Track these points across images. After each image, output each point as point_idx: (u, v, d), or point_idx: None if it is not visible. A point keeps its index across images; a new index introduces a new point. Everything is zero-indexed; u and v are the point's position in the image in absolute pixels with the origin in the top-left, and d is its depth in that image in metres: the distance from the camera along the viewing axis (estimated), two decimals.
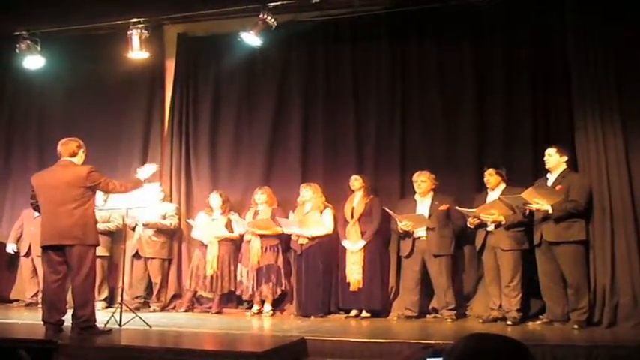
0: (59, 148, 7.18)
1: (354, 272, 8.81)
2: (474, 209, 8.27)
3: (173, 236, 9.98)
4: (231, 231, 9.53)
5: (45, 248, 7.01)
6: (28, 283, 10.16)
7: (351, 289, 8.79)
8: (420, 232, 8.60)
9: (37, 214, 9.70)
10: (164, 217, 9.74)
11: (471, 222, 8.35)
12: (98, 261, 7.82)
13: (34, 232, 9.74)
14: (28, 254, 10.11)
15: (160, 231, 9.73)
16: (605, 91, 8.18)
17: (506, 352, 2.02)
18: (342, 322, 8.64)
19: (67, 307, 7.10)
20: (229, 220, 9.50)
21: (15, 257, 10.41)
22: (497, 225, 8.16)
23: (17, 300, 10.33)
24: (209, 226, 9.52)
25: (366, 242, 8.86)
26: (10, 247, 10.29)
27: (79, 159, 7.18)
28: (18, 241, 10.29)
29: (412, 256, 8.64)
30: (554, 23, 8.81)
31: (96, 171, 7.05)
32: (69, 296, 7.13)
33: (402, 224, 8.58)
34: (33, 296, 10.02)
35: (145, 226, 9.64)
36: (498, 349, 2.02)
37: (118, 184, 7.32)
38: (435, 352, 2.27)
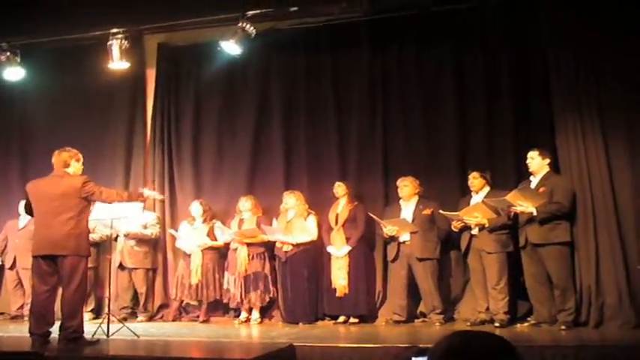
0: (53, 159, 7.17)
1: (339, 278, 8.82)
2: (457, 212, 8.30)
3: (156, 246, 9.96)
4: (214, 239, 9.51)
5: (36, 258, 6.97)
6: (13, 295, 10.09)
7: (338, 294, 8.80)
8: (405, 236, 8.62)
9: (21, 225, 9.77)
10: (145, 227, 9.71)
11: (455, 225, 8.38)
12: None
13: (18, 245, 9.74)
14: (12, 267, 10.04)
15: (141, 241, 9.71)
16: (584, 94, 8.26)
17: (490, 348, 2.02)
18: (330, 328, 8.64)
19: (55, 318, 7.07)
20: (212, 229, 9.50)
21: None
22: (481, 228, 8.18)
23: (2, 313, 10.27)
24: (191, 235, 9.51)
25: (350, 248, 8.88)
26: None
27: (75, 169, 7.17)
28: (2, 253, 10.21)
29: (398, 260, 8.67)
30: (532, 28, 8.85)
31: (90, 181, 7.04)
32: (57, 307, 7.10)
33: (387, 229, 8.60)
34: (18, 309, 9.95)
35: (126, 236, 9.61)
36: (483, 345, 2.03)
37: (114, 192, 7.32)
38: (420, 352, 2.28)
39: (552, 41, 8.51)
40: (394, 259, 8.72)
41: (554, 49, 8.47)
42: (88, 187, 6.97)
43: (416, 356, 2.28)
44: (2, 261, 10.20)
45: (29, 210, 7.27)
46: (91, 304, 9.61)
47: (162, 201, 9.79)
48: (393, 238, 8.69)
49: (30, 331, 6.88)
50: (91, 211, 7.28)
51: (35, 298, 7.01)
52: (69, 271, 6.82)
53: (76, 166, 7.19)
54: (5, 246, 10.21)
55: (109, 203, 7.44)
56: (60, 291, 7.05)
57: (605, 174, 8.04)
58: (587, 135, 8.16)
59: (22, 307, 9.86)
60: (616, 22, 8.12)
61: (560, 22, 8.43)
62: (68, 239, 6.83)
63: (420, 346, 2.18)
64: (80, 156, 7.27)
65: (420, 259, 8.53)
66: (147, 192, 7.78)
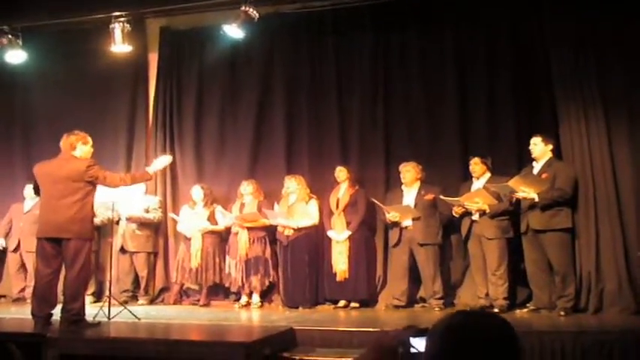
0: (61, 142, 7.17)
1: (339, 262, 8.84)
2: (458, 198, 8.31)
3: (157, 229, 9.97)
4: (215, 223, 9.53)
5: (40, 240, 6.99)
6: (15, 279, 10.12)
7: (338, 279, 8.83)
8: (407, 221, 8.64)
9: (26, 208, 9.79)
10: (147, 211, 9.72)
11: (455, 211, 8.38)
12: None
13: (23, 228, 9.77)
14: (16, 250, 10.07)
15: (143, 225, 9.72)
16: (586, 80, 8.26)
17: (489, 328, 2.03)
18: (330, 312, 8.68)
19: (57, 300, 7.09)
20: (212, 213, 9.52)
21: (2, 253, 10.34)
22: (482, 214, 8.19)
23: (4, 296, 10.29)
24: (191, 219, 9.53)
25: (351, 232, 8.90)
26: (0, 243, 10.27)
27: (82, 152, 7.15)
28: (6, 236, 10.22)
29: (400, 245, 8.69)
30: (535, 14, 8.83)
31: (95, 165, 7.04)
32: (59, 289, 7.13)
33: (390, 215, 8.62)
34: (20, 292, 9.99)
35: (128, 219, 9.63)
36: (481, 325, 2.04)
37: (117, 177, 7.31)
38: (418, 332, 2.29)
39: (555, 29, 8.50)
40: (396, 245, 8.74)
41: (557, 37, 8.47)
42: (92, 171, 6.97)
43: (414, 336, 2.28)
44: (6, 244, 10.22)
45: (38, 192, 7.30)
46: (91, 288, 9.56)
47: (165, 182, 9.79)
48: (395, 224, 8.71)
49: (32, 313, 6.92)
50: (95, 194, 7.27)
51: (39, 280, 7.03)
52: (72, 253, 6.84)
53: (83, 149, 7.17)
54: (10, 229, 10.22)
55: (113, 188, 7.44)
56: (63, 273, 7.09)
57: (607, 161, 8.05)
58: (590, 122, 8.17)
59: (23, 289, 9.91)
60: (619, 9, 8.09)
61: (563, 10, 8.41)
62: (72, 222, 6.84)
63: (419, 326, 2.17)
64: (89, 139, 7.26)
65: (422, 245, 8.55)
66: (153, 168, 7.69)
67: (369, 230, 9.19)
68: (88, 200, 7.01)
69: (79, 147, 7.14)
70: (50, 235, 6.92)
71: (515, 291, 8.34)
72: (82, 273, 6.92)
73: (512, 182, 7.80)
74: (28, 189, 9.89)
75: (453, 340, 2.03)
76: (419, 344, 2.25)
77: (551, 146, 8.08)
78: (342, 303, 8.87)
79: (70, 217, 6.84)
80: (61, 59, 10.48)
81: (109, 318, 7.51)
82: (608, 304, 7.73)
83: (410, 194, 8.78)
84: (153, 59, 10.61)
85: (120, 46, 9.50)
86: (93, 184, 7.05)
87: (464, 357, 1.99)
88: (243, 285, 9.20)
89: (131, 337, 6.48)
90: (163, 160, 7.85)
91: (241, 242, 9.21)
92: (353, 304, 8.83)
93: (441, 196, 8.50)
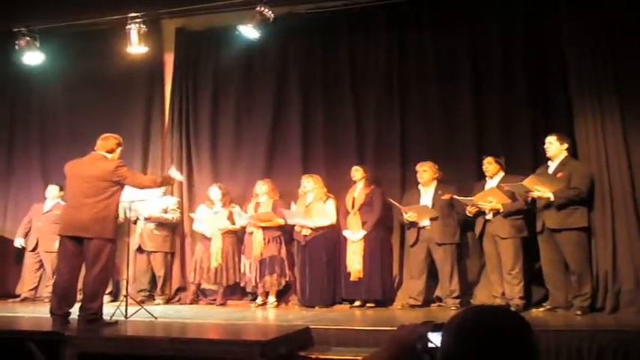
0: (98, 142, 7.26)
1: (354, 262, 8.84)
2: (472, 197, 8.29)
3: (175, 230, 10.00)
4: (233, 223, 9.55)
5: (62, 238, 7.05)
6: (28, 277, 10.16)
7: (352, 279, 8.82)
8: (425, 221, 8.64)
9: (45, 209, 9.83)
10: (165, 211, 9.75)
11: (469, 210, 8.37)
12: None
13: (41, 228, 9.82)
14: (34, 249, 10.12)
15: (161, 225, 9.75)
16: (602, 78, 8.20)
17: (505, 323, 2.04)
18: (346, 312, 8.67)
19: (76, 299, 7.14)
20: (231, 212, 9.53)
21: (22, 252, 10.35)
22: (496, 213, 8.17)
23: (18, 295, 10.31)
24: (211, 219, 9.54)
25: (366, 232, 8.89)
26: (19, 242, 10.26)
27: (115, 155, 7.25)
28: (25, 236, 10.25)
29: (417, 245, 8.69)
30: (550, 10, 8.81)
31: (124, 165, 7.13)
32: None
33: (407, 215, 8.62)
34: (30, 290, 10.08)
35: (147, 219, 9.67)
36: (497, 319, 2.05)
37: (147, 178, 7.42)
38: (436, 327, 2.30)
39: (572, 28, 8.46)
40: (413, 244, 8.74)
41: (574, 36, 8.43)
42: (121, 171, 7.04)
43: (432, 331, 2.29)
44: (25, 244, 10.25)
45: None
46: (109, 287, 9.62)
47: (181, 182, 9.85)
48: (412, 224, 8.71)
49: (51, 312, 6.96)
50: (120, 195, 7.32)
51: (59, 278, 7.10)
52: (93, 253, 6.89)
53: (118, 154, 7.31)
54: (30, 229, 10.26)
55: (142, 189, 7.50)
56: (83, 272, 7.13)
57: (624, 160, 8.00)
58: (606, 121, 8.11)
59: (35, 288, 10.06)
60: (636, 5, 8.06)
61: (580, 9, 8.38)
62: (95, 222, 6.89)
63: (436, 322, 2.18)
64: (123, 145, 7.42)
65: (440, 244, 8.55)
66: (173, 173, 7.80)
67: (385, 230, 9.18)
68: (112, 201, 7.06)
69: (118, 152, 7.29)
70: (72, 233, 6.97)
71: (531, 290, 8.30)
72: (102, 273, 6.96)
73: (527, 181, 7.78)
74: (50, 189, 9.98)
75: (468, 335, 2.04)
76: (436, 339, 2.26)
77: (566, 145, 8.04)
78: (357, 302, 8.88)
79: (93, 217, 6.89)
80: (78, 60, 10.52)
81: (126, 317, 7.55)
82: (624, 303, 7.66)
83: (427, 194, 8.77)
84: (169, 60, 10.65)
85: (136, 47, 9.57)
86: (120, 184, 7.10)
87: (479, 352, 2.00)
88: (257, 285, 9.22)
89: (148, 336, 6.50)
90: (177, 175, 7.99)
91: (256, 242, 9.22)
92: (369, 304, 8.83)
93: (455, 196, 8.49)
